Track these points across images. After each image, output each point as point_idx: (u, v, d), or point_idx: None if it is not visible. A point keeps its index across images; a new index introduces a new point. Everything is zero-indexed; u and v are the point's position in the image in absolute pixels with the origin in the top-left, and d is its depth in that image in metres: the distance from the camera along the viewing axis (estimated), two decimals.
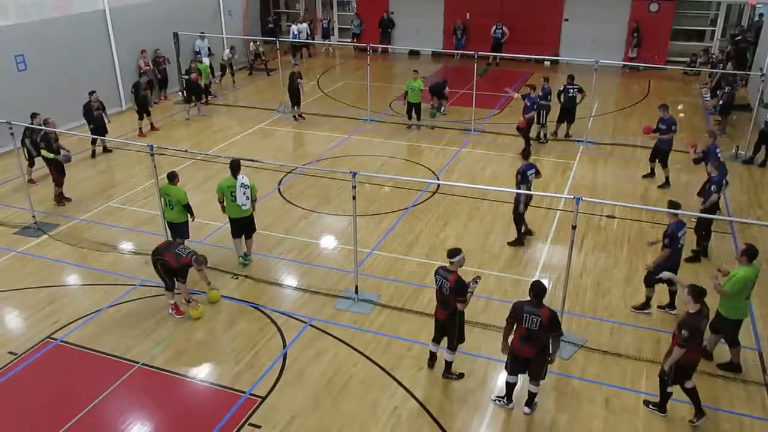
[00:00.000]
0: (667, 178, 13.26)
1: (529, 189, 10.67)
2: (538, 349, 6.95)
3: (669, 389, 7.12)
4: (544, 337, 6.89)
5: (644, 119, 17.83)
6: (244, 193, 9.78)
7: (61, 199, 12.69)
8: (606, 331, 8.74)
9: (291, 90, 17.48)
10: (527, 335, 6.91)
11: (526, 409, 7.35)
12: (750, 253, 7.48)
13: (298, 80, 17.37)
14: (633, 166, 14.54)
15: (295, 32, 24.81)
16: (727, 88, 16.45)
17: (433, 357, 8.00)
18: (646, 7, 23.10)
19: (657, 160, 13.39)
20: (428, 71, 22.88)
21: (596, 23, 23.52)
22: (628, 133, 16.67)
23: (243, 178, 9.81)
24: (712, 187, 10.20)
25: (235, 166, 9.86)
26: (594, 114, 17.74)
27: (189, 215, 10.09)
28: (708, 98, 19.61)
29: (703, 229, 10.48)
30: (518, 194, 10.52)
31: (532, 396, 7.29)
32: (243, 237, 10.26)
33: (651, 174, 13.69)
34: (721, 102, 16.37)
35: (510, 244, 10.90)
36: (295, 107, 17.81)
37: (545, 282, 9.85)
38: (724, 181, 10.57)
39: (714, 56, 22.03)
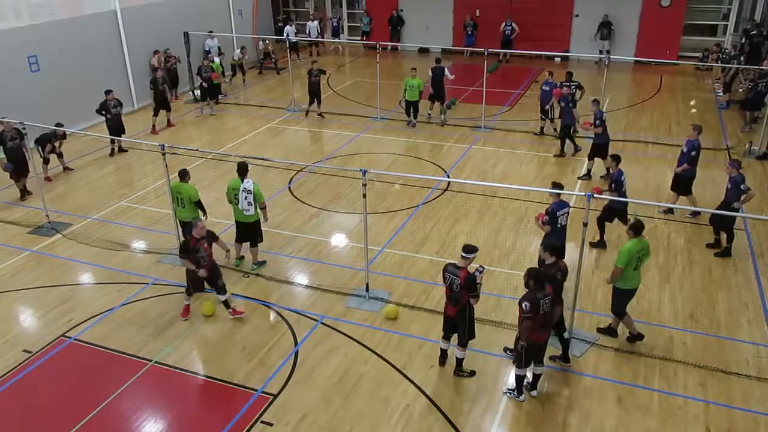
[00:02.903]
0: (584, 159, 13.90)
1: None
2: (549, 332, 7.27)
3: (565, 335, 8.00)
4: (554, 315, 7.21)
5: (656, 115, 17.77)
6: (246, 198, 9.67)
7: (23, 193, 13.03)
8: (618, 328, 8.69)
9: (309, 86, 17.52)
10: (543, 321, 7.03)
11: (534, 392, 7.47)
12: (635, 228, 7.96)
13: (315, 77, 17.30)
14: (644, 162, 14.45)
15: (289, 32, 24.79)
16: (756, 85, 16.23)
17: (443, 354, 8.00)
18: (658, 1, 22.94)
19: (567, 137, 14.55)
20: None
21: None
22: (640, 129, 16.57)
23: (248, 182, 9.66)
24: (742, 186, 10.03)
25: (241, 169, 9.78)
26: (605, 110, 17.60)
27: (201, 213, 10.13)
28: (720, 93, 19.44)
29: (724, 228, 10.36)
30: None
31: (537, 378, 7.47)
32: (243, 244, 10.20)
33: (562, 154, 14.64)
34: (749, 96, 16.08)
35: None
36: (313, 104, 17.75)
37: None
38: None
39: (726, 51, 21.78)
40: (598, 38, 23.29)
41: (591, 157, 13.43)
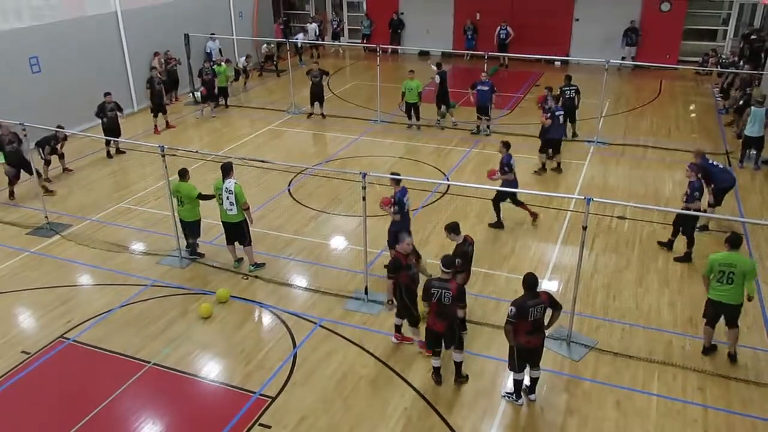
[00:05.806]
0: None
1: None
2: (543, 337, 7.18)
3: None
4: (543, 322, 7.13)
5: (656, 119, 17.78)
6: (228, 198, 9.71)
7: (12, 194, 13.07)
8: (617, 332, 8.69)
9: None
10: (533, 328, 7.00)
11: (533, 396, 7.45)
12: (729, 241, 7.81)
13: (315, 78, 17.38)
14: (644, 166, 14.46)
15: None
16: (747, 89, 16.25)
17: (438, 373, 7.75)
18: (658, 6, 22.98)
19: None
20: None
21: (607, 23, 23.40)
22: (640, 134, 16.58)
23: (229, 182, 9.68)
24: (696, 193, 9.95)
25: (223, 169, 9.79)
26: (605, 114, 17.65)
27: (207, 200, 10.11)
28: (720, 98, 19.46)
29: (684, 232, 10.34)
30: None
31: (535, 382, 7.42)
32: (235, 244, 10.19)
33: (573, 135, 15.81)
34: (741, 103, 16.11)
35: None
36: (315, 106, 17.79)
37: (555, 283, 9.92)
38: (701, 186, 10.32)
39: (724, 57, 21.82)
40: (624, 45, 23.28)
41: (542, 150, 13.83)
